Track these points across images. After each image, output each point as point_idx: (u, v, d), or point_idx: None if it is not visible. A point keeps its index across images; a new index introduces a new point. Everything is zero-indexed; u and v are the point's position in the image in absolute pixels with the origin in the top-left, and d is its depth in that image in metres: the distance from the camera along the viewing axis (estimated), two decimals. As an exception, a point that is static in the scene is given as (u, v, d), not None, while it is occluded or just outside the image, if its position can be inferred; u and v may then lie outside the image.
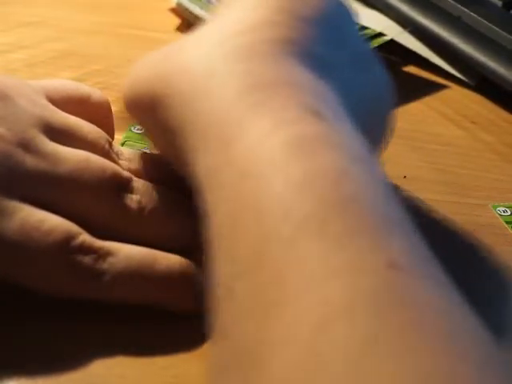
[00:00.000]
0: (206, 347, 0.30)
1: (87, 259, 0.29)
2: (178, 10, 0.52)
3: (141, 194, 0.32)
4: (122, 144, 0.39)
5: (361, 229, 0.21)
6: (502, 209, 0.39)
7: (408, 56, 0.48)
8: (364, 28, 0.49)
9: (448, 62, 0.49)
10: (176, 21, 0.52)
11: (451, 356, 0.18)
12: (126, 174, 0.32)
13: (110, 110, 0.36)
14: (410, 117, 0.45)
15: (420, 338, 0.18)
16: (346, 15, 0.33)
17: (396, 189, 0.38)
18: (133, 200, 0.31)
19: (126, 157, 0.34)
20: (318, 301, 0.20)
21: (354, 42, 0.32)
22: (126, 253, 0.30)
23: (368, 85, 0.32)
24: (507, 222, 0.38)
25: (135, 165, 0.34)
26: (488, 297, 0.32)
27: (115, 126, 0.36)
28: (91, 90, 0.36)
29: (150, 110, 0.30)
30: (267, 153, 0.24)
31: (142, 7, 0.53)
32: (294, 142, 0.23)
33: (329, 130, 0.24)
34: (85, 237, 0.29)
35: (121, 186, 0.31)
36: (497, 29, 0.47)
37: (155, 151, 0.35)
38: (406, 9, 0.49)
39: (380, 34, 0.48)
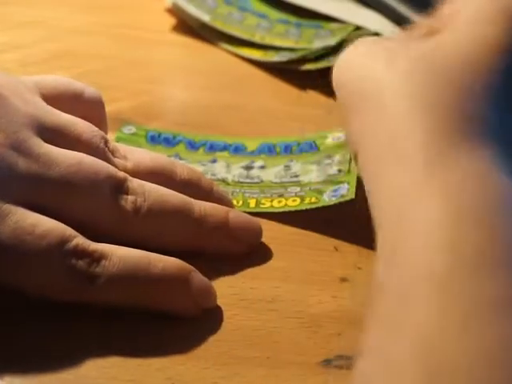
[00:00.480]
0: (200, 349, 0.30)
1: (81, 263, 0.29)
2: (174, 10, 0.52)
3: (136, 194, 0.32)
4: None
5: None
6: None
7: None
8: (360, 28, 0.49)
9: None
10: (171, 21, 0.51)
11: None
12: (121, 174, 0.32)
13: (103, 106, 0.36)
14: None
15: None
16: None
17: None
18: (128, 201, 0.31)
19: (122, 154, 0.34)
20: None
21: None
22: (120, 255, 0.30)
23: None
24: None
25: (131, 162, 0.33)
26: None
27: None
28: (84, 86, 0.35)
29: (351, 106, 0.30)
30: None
31: (137, 7, 0.53)
32: None
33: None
34: (79, 240, 0.29)
35: (115, 187, 0.31)
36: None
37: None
38: (402, 9, 0.49)
39: (376, 34, 0.48)
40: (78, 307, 0.30)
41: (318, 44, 0.47)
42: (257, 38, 0.48)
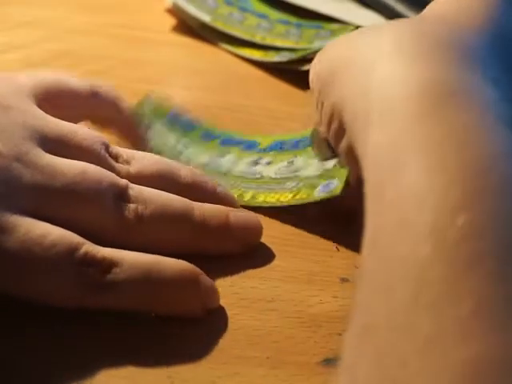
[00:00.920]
0: (200, 348, 0.30)
1: (92, 270, 0.29)
2: (174, 11, 0.52)
3: (137, 202, 0.32)
4: None
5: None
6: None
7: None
8: (358, 27, 0.49)
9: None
10: (171, 21, 0.52)
11: None
12: (123, 182, 0.32)
13: (116, 100, 0.36)
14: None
15: None
16: None
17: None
18: (130, 209, 0.31)
19: (125, 158, 0.34)
20: None
21: None
22: (130, 261, 0.30)
23: None
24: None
25: (134, 166, 0.34)
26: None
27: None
28: (89, 85, 0.36)
29: (327, 84, 0.32)
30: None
31: (137, 8, 0.53)
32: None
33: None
34: (88, 247, 0.29)
35: (118, 195, 0.31)
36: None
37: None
38: (401, 8, 0.49)
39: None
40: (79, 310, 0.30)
41: (319, 44, 0.47)
42: (257, 39, 0.48)
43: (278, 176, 0.37)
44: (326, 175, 0.36)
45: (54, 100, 0.34)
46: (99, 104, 0.36)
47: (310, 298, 0.32)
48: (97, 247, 0.29)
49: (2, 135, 0.30)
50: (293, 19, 0.51)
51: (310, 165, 0.37)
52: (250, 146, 0.39)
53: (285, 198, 0.36)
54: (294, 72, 0.46)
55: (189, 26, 0.50)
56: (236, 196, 0.36)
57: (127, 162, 0.33)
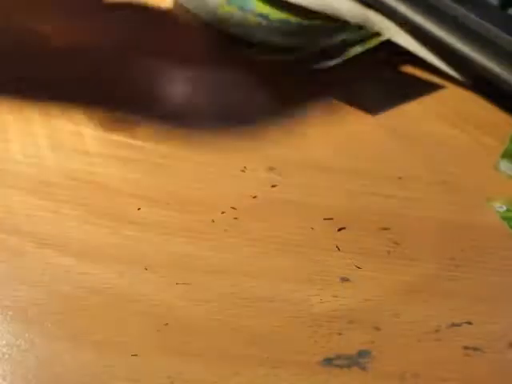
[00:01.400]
0: (200, 348, 0.30)
1: None
2: (175, 10, 0.52)
3: None
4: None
5: None
6: (498, 205, 0.39)
7: (404, 56, 0.48)
8: (360, 28, 0.49)
9: (444, 61, 0.49)
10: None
11: None
12: None
13: None
14: (405, 116, 0.45)
15: None
16: None
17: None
18: None
19: None
20: None
21: None
22: None
23: None
24: (504, 219, 0.38)
25: None
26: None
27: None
28: None
29: None
30: None
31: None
32: None
33: None
34: None
35: None
36: (494, 28, 0.46)
37: None
38: (402, 8, 0.49)
39: (376, 34, 0.48)
40: (79, 308, 0.30)
41: (321, 44, 0.47)
42: (258, 39, 0.48)
43: None
44: None
45: None
46: None
47: (311, 298, 0.32)
48: None
49: None
50: (293, 19, 0.51)
51: None
52: None
53: None
54: (293, 72, 0.46)
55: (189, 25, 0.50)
56: None
57: None
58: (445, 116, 0.46)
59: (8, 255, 0.33)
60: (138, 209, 0.36)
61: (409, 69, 0.49)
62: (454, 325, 0.32)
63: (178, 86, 0.46)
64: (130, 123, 0.41)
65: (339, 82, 0.46)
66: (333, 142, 0.42)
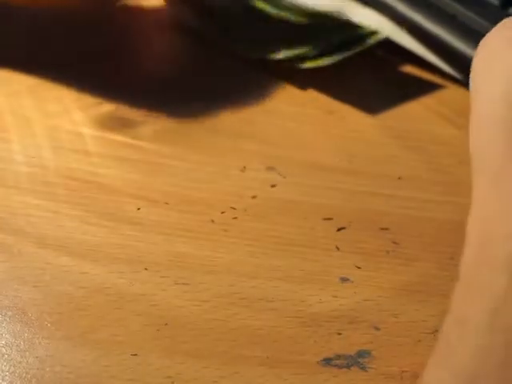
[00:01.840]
0: (200, 348, 0.30)
1: None
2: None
3: None
4: None
5: None
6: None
7: (404, 55, 0.48)
8: (359, 27, 0.49)
9: (444, 60, 0.49)
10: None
11: None
12: None
13: None
14: (405, 116, 0.45)
15: None
16: None
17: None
18: None
19: None
20: None
21: None
22: None
23: None
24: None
25: None
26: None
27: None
28: None
29: None
30: None
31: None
32: None
33: None
34: None
35: None
36: (493, 27, 0.46)
37: None
38: (401, 7, 0.49)
39: (375, 33, 0.48)
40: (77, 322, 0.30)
41: (323, 41, 0.47)
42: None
43: None
44: None
45: None
46: None
47: (310, 298, 0.32)
48: None
49: None
50: (293, 18, 0.51)
51: None
52: None
53: None
54: (293, 71, 0.46)
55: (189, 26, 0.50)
56: None
57: None
58: (444, 115, 0.46)
59: (8, 255, 0.33)
60: (138, 209, 0.36)
61: (409, 69, 0.49)
62: (453, 325, 0.32)
63: (178, 86, 0.46)
64: (130, 123, 0.41)
65: (339, 82, 0.46)
66: (333, 142, 0.42)
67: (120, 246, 0.34)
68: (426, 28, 0.49)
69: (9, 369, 0.28)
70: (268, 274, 0.33)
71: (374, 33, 0.48)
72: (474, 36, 0.48)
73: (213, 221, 0.36)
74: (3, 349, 0.29)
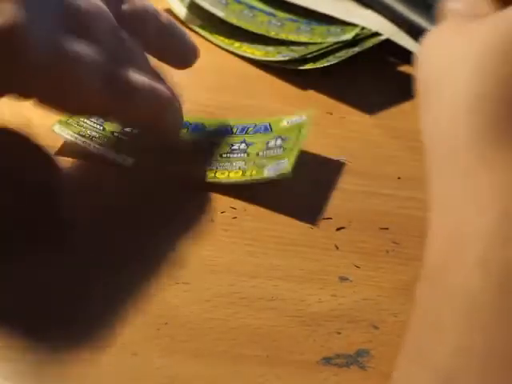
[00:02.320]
0: (200, 347, 0.30)
1: (118, 80, 0.33)
2: (172, 11, 0.52)
3: None
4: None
5: None
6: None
7: (404, 56, 0.48)
8: (359, 28, 0.49)
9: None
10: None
11: None
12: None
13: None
14: (405, 116, 0.45)
15: None
16: None
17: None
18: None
19: None
20: None
21: None
22: (142, 80, 0.35)
23: None
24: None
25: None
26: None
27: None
28: None
29: (421, 107, 0.30)
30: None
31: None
32: None
33: None
34: (114, 64, 0.33)
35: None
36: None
37: None
38: (401, 8, 0.49)
39: (376, 34, 0.48)
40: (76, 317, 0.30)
41: (333, 40, 0.47)
42: (272, 34, 0.49)
43: (226, 155, 0.39)
44: (275, 157, 0.37)
45: None
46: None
47: (310, 297, 0.33)
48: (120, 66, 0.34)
49: None
50: (301, 18, 0.51)
51: (258, 146, 0.39)
52: (196, 128, 0.41)
53: (235, 174, 0.37)
54: (293, 72, 0.46)
55: (188, 26, 0.50)
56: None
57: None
58: (444, 116, 0.46)
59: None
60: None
61: (408, 68, 0.49)
62: (452, 324, 0.32)
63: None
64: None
65: (339, 82, 0.46)
66: (333, 142, 0.42)
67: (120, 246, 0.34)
68: (425, 29, 0.49)
69: (9, 369, 0.28)
70: (268, 273, 0.33)
71: (374, 34, 0.48)
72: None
73: (213, 220, 0.36)
74: (4, 349, 0.29)
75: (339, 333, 0.31)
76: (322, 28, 0.49)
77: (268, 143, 0.39)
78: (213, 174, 0.37)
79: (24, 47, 0.30)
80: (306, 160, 0.38)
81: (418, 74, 0.30)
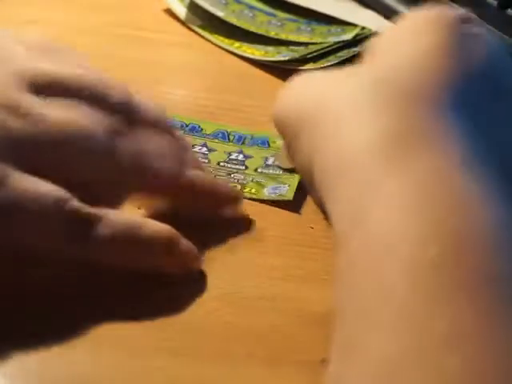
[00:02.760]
0: (200, 347, 0.30)
1: (77, 224, 0.30)
2: (172, 11, 0.52)
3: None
4: None
5: None
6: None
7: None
8: (361, 28, 0.49)
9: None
10: (171, 21, 0.52)
11: None
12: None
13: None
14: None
15: None
16: (505, 66, 0.30)
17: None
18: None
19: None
20: None
21: None
22: (113, 218, 0.30)
23: None
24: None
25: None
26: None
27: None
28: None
29: (295, 137, 0.30)
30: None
31: (137, 7, 0.53)
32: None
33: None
34: (74, 202, 0.30)
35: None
36: (492, 28, 0.47)
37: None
38: (401, 8, 0.49)
39: (376, 34, 0.48)
40: (74, 304, 0.30)
41: (333, 39, 0.48)
42: (272, 34, 0.49)
43: (224, 164, 0.38)
44: (274, 179, 0.38)
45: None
46: None
47: (310, 297, 0.32)
48: (82, 204, 0.30)
49: None
50: (301, 18, 0.51)
51: (257, 161, 0.39)
52: (193, 130, 0.40)
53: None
54: (293, 72, 0.46)
55: (188, 26, 0.50)
56: None
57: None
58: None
59: None
60: (138, 208, 0.36)
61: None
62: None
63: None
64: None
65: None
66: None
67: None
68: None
69: (10, 369, 0.28)
70: (268, 273, 0.33)
71: (374, 34, 0.48)
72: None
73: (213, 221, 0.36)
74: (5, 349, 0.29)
75: (340, 333, 0.31)
76: (322, 28, 0.50)
77: (266, 160, 0.39)
78: None
79: None
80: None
81: (286, 110, 0.32)
